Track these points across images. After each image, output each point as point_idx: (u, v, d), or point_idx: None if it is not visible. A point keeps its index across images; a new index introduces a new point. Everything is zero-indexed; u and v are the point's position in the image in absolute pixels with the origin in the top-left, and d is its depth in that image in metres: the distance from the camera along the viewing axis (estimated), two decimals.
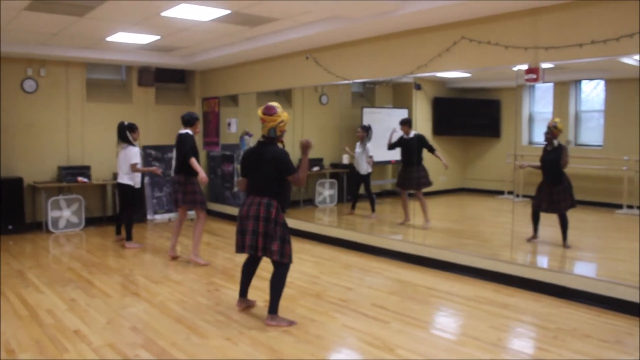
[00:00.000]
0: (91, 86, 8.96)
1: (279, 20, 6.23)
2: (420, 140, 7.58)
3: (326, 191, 9.75)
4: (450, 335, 4.09)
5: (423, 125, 10.08)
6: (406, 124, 7.57)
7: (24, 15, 5.88)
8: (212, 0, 5.36)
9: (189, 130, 6.21)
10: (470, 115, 10.63)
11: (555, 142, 6.28)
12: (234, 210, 9.04)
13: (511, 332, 4.13)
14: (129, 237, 7.13)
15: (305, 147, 4.30)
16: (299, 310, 4.59)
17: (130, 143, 6.98)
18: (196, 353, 3.70)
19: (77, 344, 3.86)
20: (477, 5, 5.12)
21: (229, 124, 9.22)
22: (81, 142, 8.76)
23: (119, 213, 7.47)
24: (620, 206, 8.31)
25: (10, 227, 7.85)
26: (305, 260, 6.48)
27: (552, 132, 6.28)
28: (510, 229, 6.01)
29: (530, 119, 10.44)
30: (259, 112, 4.19)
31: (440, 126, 10.35)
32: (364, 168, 8.21)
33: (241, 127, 9.38)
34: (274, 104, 4.22)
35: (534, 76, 5.06)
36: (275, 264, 4.25)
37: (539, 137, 10.35)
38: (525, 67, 5.13)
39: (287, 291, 5.08)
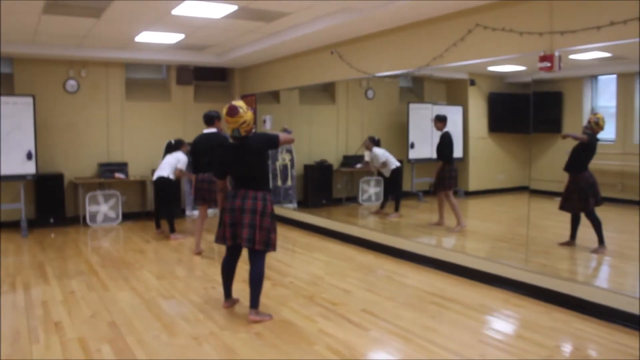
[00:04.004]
0: (131, 85, 9.23)
1: (290, 14, 6.07)
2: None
3: (371, 189, 9.51)
4: (433, 345, 3.75)
5: (477, 122, 9.58)
6: (439, 120, 7.24)
7: (46, 19, 6.11)
8: None
9: (214, 129, 6.28)
10: (529, 110, 9.96)
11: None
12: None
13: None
14: (172, 229, 7.42)
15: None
16: (283, 312, 4.43)
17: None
18: (155, 352, 3.64)
19: (51, 335, 3.92)
20: None
21: (264, 121, 9.19)
22: (120, 139, 9.06)
23: (161, 207, 7.69)
24: None
25: (51, 220, 8.26)
26: (318, 259, 6.30)
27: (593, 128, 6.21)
28: (555, 232, 5.53)
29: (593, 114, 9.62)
30: (223, 112, 4.10)
31: (497, 123, 9.78)
32: (385, 170, 8.25)
33: (282, 124, 9.29)
34: (238, 103, 4.09)
35: (549, 64, 4.60)
36: (256, 253, 4.15)
37: (605, 133, 9.55)
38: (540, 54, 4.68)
39: (281, 291, 4.98)
